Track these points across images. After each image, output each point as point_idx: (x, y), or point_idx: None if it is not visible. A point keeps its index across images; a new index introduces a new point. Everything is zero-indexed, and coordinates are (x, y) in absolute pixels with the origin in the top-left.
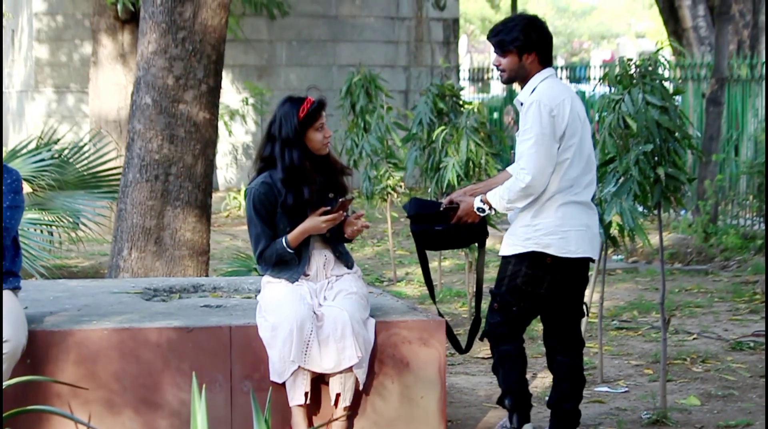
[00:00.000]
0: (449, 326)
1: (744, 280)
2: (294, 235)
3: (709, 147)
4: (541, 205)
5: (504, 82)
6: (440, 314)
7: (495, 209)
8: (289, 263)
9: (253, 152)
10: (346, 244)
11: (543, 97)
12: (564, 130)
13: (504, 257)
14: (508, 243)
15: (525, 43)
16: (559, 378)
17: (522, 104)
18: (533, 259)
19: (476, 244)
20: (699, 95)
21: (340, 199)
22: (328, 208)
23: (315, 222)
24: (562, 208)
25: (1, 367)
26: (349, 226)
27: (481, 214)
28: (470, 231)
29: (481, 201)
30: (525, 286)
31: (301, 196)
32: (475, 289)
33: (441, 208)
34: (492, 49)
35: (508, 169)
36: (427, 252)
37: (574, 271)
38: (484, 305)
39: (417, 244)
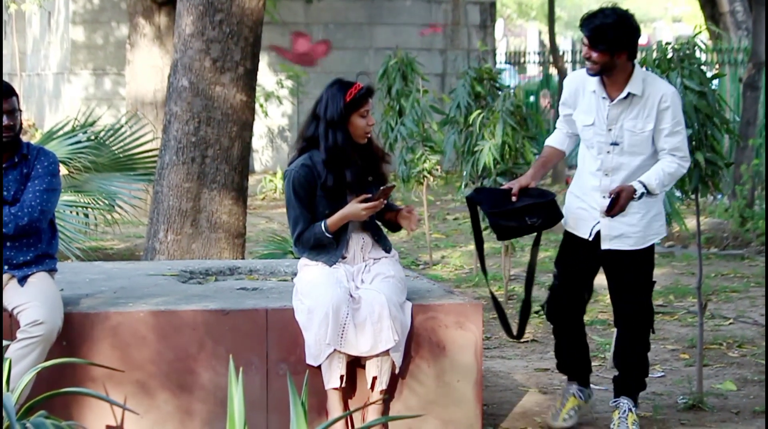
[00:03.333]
0: (503, 311)
1: None
2: (333, 220)
3: (745, 131)
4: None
5: (591, 74)
6: (495, 300)
7: (650, 194)
8: (327, 247)
9: (289, 135)
10: (383, 229)
11: (672, 87)
12: None
13: (644, 250)
14: (646, 234)
15: (617, 43)
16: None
17: (629, 96)
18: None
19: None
20: (736, 80)
21: (381, 188)
22: (369, 195)
23: (355, 208)
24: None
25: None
26: (403, 220)
27: (636, 200)
28: (549, 215)
29: (644, 186)
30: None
31: (342, 179)
32: (526, 274)
33: (513, 193)
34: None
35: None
36: (473, 235)
37: None
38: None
39: (500, 234)
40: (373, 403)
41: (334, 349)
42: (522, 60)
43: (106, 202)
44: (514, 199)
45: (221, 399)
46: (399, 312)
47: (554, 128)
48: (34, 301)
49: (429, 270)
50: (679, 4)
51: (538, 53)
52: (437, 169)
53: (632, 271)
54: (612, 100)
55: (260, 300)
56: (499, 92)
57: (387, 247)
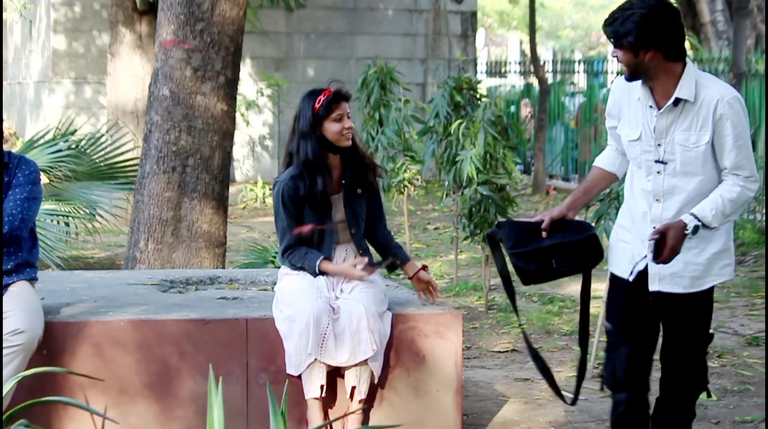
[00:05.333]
0: (551, 375)
1: (761, 275)
2: (329, 268)
3: None
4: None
5: (626, 79)
6: (537, 356)
7: (706, 227)
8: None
9: (270, 144)
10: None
11: (733, 91)
12: None
13: (701, 294)
14: (704, 274)
15: (642, 39)
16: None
17: (679, 102)
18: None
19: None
20: None
21: (384, 262)
22: (366, 260)
23: (351, 271)
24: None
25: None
26: (419, 284)
27: (690, 237)
28: (584, 256)
29: (697, 219)
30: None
31: (314, 188)
32: (579, 327)
33: (542, 227)
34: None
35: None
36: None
37: None
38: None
39: (523, 279)
40: (353, 412)
41: (315, 359)
42: (503, 70)
43: (87, 210)
44: (544, 234)
45: (201, 408)
46: (378, 322)
47: (535, 138)
48: (14, 310)
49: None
50: None
51: (519, 63)
52: (418, 179)
53: (683, 320)
54: (660, 109)
55: (240, 309)
56: (479, 102)
57: (370, 261)
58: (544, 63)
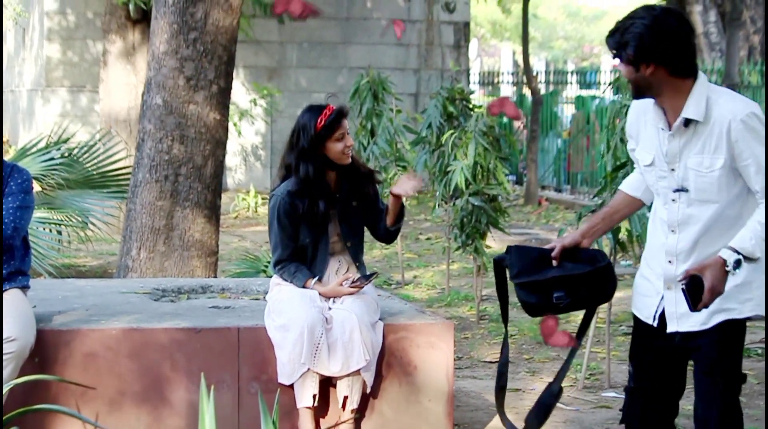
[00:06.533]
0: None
1: None
2: (317, 288)
3: None
4: None
5: (633, 96)
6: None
7: (749, 259)
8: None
9: (262, 154)
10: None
11: (748, 105)
12: None
13: (726, 329)
14: (726, 306)
15: (639, 51)
16: None
17: (689, 123)
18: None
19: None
20: None
21: (367, 276)
22: (356, 278)
23: (340, 290)
24: None
25: (0, 368)
26: (399, 186)
27: (732, 274)
28: (589, 291)
29: (737, 252)
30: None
31: (314, 209)
32: (567, 357)
33: (553, 256)
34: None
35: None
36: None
37: None
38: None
39: (527, 311)
40: (345, 422)
41: (308, 369)
42: (495, 80)
43: (80, 219)
44: (554, 263)
45: (192, 417)
46: (370, 332)
47: (527, 149)
48: (6, 318)
49: (401, 290)
50: None
51: (512, 74)
52: None
53: (709, 359)
54: (670, 129)
55: (232, 318)
56: (472, 112)
57: (363, 273)
58: (537, 74)
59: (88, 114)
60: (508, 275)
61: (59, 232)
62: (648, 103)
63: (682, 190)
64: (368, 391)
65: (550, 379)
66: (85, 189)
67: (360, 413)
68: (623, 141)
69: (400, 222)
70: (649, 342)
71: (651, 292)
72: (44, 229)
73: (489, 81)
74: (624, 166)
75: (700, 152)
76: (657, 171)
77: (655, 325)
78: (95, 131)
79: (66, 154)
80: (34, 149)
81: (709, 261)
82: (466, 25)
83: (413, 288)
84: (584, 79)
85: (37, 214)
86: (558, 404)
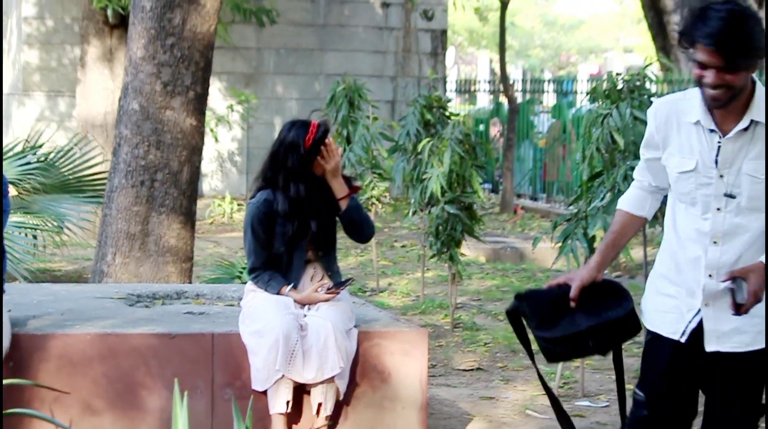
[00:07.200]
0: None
1: None
2: (291, 295)
3: None
4: None
5: (717, 106)
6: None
7: None
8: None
9: (238, 160)
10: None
11: None
12: None
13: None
14: None
15: (757, 55)
16: None
17: (751, 125)
18: None
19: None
20: None
21: (342, 282)
22: (326, 283)
23: (314, 297)
24: None
25: (1, 369)
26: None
27: None
28: (626, 330)
29: None
30: None
31: (306, 230)
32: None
33: (571, 298)
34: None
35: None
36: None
37: None
38: None
39: (550, 359)
40: (318, 428)
41: (282, 375)
42: (472, 88)
43: (55, 223)
44: (572, 304)
45: (166, 422)
46: (345, 339)
47: (503, 157)
48: None
49: (376, 297)
50: (631, 35)
51: (489, 82)
52: (386, 196)
53: (742, 381)
54: (724, 134)
55: (207, 324)
56: (449, 120)
57: (337, 281)
58: (514, 82)
59: (65, 119)
60: (526, 323)
61: (35, 237)
62: (682, 105)
63: (730, 197)
64: (342, 398)
65: (524, 388)
66: (62, 193)
67: (334, 420)
68: (599, 150)
69: (354, 208)
70: (671, 365)
71: (678, 308)
72: (20, 233)
73: (466, 89)
74: (600, 175)
75: (757, 157)
76: (700, 178)
77: (683, 341)
78: (72, 136)
79: (42, 159)
80: (11, 153)
81: (752, 265)
82: (444, 32)
83: (388, 295)
84: (561, 87)
85: (13, 218)
86: (531, 412)
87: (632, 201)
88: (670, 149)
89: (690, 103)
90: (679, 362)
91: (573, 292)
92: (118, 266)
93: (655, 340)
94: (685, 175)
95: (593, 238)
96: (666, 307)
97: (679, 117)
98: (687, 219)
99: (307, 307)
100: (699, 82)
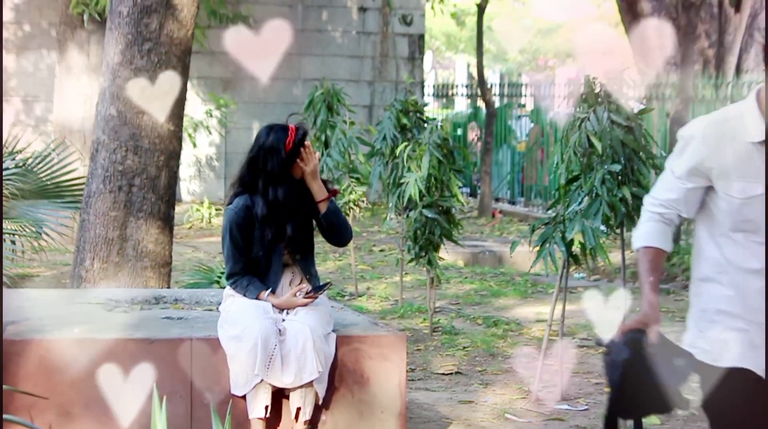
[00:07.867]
0: None
1: None
2: (270, 300)
3: None
4: None
5: None
6: None
7: None
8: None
9: (216, 165)
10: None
11: None
12: None
13: None
14: None
15: None
16: None
17: None
18: None
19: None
20: (663, 115)
21: (322, 286)
22: (305, 288)
23: (293, 301)
24: None
25: (1, 367)
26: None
27: None
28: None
29: None
30: None
31: (282, 234)
32: None
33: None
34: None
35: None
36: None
37: None
38: None
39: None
40: None
41: (261, 380)
42: (450, 92)
43: (33, 229)
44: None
45: (145, 427)
46: (323, 343)
47: (481, 161)
48: None
49: (354, 301)
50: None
51: (466, 86)
52: (363, 201)
53: None
54: None
55: (185, 329)
56: (425, 125)
57: (315, 285)
58: (491, 86)
59: (42, 124)
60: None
61: (13, 242)
62: (734, 125)
63: None
64: (320, 402)
65: (503, 391)
66: (40, 199)
67: (312, 425)
68: (576, 154)
69: (333, 211)
70: (753, 401)
71: (750, 342)
72: None
73: (443, 93)
74: (577, 178)
75: None
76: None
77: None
78: (49, 141)
79: (20, 164)
80: None
81: None
82: (421, 37)
83: (366, 300)
84: (539, 91)
85: None
86: (510, 416)
87: (658, 236)
88: (726, 175)
89: (742, 122)
90: (759, 398)
91: (653, 336)
92: (96, 271)
93: (732, 376)
94: (751, 201)
95: (571, 241)
96: (738, 343)
97: (735, 137)
98: (746, 248)
99: (285, 311)
100: None
